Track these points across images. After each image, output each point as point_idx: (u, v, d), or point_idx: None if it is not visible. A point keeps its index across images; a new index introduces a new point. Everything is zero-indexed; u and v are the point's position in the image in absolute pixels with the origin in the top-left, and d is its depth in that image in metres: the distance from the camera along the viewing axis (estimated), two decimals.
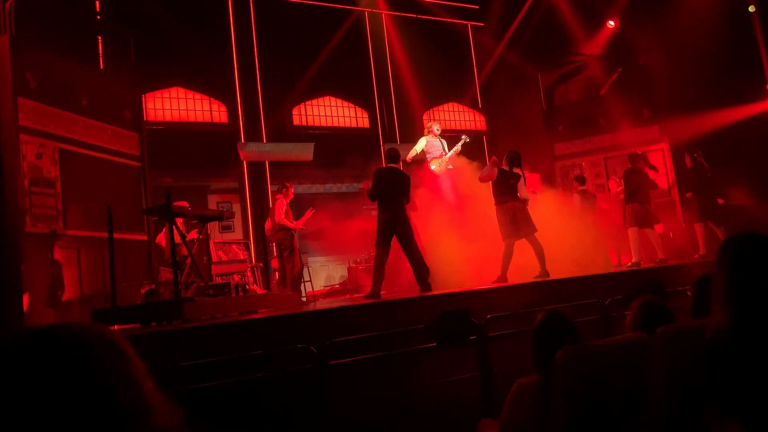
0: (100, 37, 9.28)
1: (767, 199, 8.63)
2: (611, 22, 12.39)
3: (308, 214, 8.21)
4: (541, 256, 6.95)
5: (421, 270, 6.40)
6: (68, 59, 8.26)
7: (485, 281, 6.99)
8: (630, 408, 2.04)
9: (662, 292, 4.37)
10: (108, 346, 0.88)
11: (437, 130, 8.90)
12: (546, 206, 8.41)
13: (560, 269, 7.32)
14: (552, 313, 2.53)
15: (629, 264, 8.15)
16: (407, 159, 8.51)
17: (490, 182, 7.27)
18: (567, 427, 2.06)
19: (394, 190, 6.58)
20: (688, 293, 2.94)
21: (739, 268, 1.67)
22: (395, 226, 6.46)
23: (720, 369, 1.60)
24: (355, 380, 3.78)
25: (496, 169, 7.19)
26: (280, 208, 8.00)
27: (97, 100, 8.67)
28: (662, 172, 11.70)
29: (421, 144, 8.81)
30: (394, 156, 6.86)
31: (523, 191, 7.24)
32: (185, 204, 6.78)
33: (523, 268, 7.22)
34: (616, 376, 2.14)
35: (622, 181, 8.74)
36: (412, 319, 4.20)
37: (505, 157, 7.36)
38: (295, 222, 8.15)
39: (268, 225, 8.04)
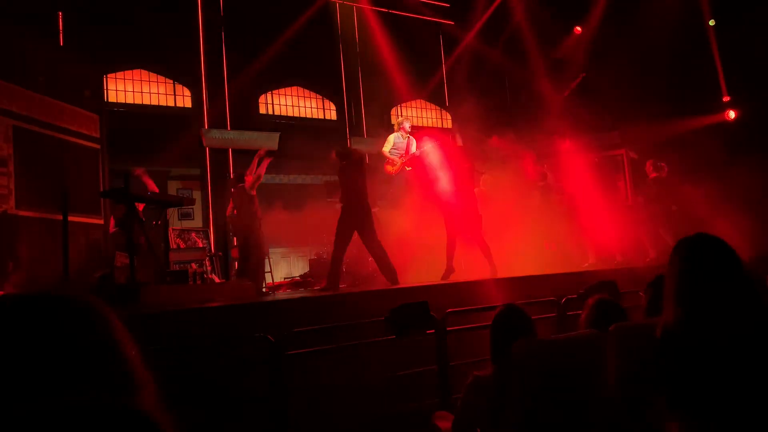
0: (60, 13, 8.97)
1: (719, 204, 8.94)
2: (578, 28, 12.64)
3: (261, 153, 8.03)
4: (488, 254, 6.99)
5: (384, 263, 6.41)
6: (26, 34, 7.96)
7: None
8: (583, 401, 2.10)
9: (616, 293, 4.49)
10: (96, 318, 0.90)
11: (408, 127, 8.65)
12: (506, 205, 8.50)
13: (520, 267, 7.42)
14: (509, 307, 2.58)
15: (586, 265, 8.34)
16: (382, 153, 8.55)
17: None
18: (521, 418, 2.11)
19: (350, 187, 6.53)
20: (641, 294, 3.03)
21: (690, 267, 1.74)
22: (354, 223, 6.43)
23: (669, 364, 1.65)
24: (314, 370, 3.77)
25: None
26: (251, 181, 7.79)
27: (55, 77, 8.38)
28: (620, 178, 12.00)
29: (389, 142, 8.67)
30: (343, 154, 6.76)
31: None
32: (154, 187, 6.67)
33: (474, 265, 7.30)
34: (569, 369, 2.19)
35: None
36: (372, 311, 4.21)
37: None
38: (257, 173, 7.91)
39: (229, 212, 7.92)
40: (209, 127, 11.00)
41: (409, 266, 7.63)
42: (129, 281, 5.42)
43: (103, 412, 0.76)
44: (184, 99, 11.10)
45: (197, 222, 11.25)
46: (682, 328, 1.66)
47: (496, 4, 13.01)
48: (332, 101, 12.84)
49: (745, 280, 1.69)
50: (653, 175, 8.92)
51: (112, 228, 7.54)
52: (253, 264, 7.63)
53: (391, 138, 8.64)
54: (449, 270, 6.84)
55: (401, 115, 13.24)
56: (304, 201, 9.81)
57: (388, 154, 8.48)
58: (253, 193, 7.75)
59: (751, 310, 1.64)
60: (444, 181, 7.30)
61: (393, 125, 9.19)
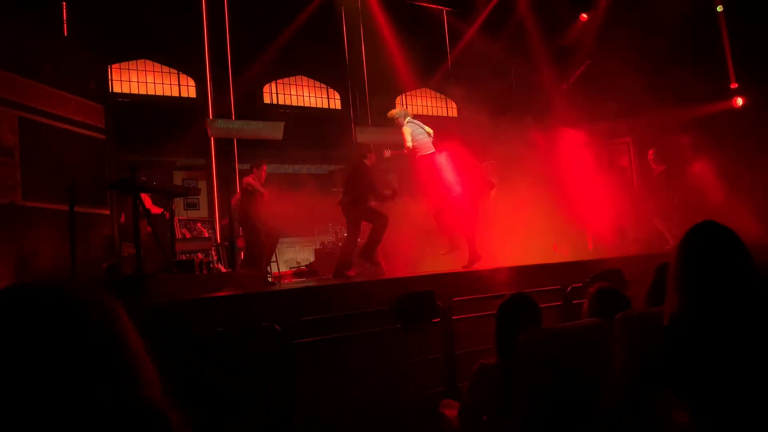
0: (64, 3, 8.95)
1: (726, 193, 8.88)
2: (584, 15, 12.52)
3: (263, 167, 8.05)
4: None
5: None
6: (30, 24, 7.94)
7: (452, 266, 7.05)
8: (589, 389, 2.09)
9: (621, 281, 4.48)
10: (104, 312, 0.89)
11: (398, 117, 8.48)
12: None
13: (525, 255, 7.40)
14: (516, 295, 2.57)
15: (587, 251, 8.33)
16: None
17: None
18: (527, 406, 2.11)
19: (355, 187, 6.84)
20: (647, 283, 3.01)
21: (695, 256, 1.72)
22: (363, 215, 6.84)
23: (674, 356, 1.64)
24: (321, 359, 3.78)
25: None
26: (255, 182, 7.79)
27: (60, 68, 8.36)
28: (627, 166, 11.94)
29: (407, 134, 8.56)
30: (358, 153, 7.11)
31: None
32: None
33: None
34: (575, 358, 2.19)
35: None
36: (379, 300, 4.21)
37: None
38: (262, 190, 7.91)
39: (234, 201, 7.93)
40: (214, 117, 10.99)
41: (416, 255, 7.65)
42: (135, 271, 5.44)
43: (114, 408, 0.76)
44: (189, 89, 11.09)
45: (203, 212, 11.27)
46: (688, 320, 1.65)
47: None
48: (337, 91, 12.79)
49: (752, 270, 1.67)
50: (661, 167, 8.82)
51: (123, 219, 7.57)
52: (259, 254, 7.65)
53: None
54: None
55: (405, 104, 13.20)
56: (309, 190, 9.80)
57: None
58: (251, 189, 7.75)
59: (757, 302, 1.63)
60: None
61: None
